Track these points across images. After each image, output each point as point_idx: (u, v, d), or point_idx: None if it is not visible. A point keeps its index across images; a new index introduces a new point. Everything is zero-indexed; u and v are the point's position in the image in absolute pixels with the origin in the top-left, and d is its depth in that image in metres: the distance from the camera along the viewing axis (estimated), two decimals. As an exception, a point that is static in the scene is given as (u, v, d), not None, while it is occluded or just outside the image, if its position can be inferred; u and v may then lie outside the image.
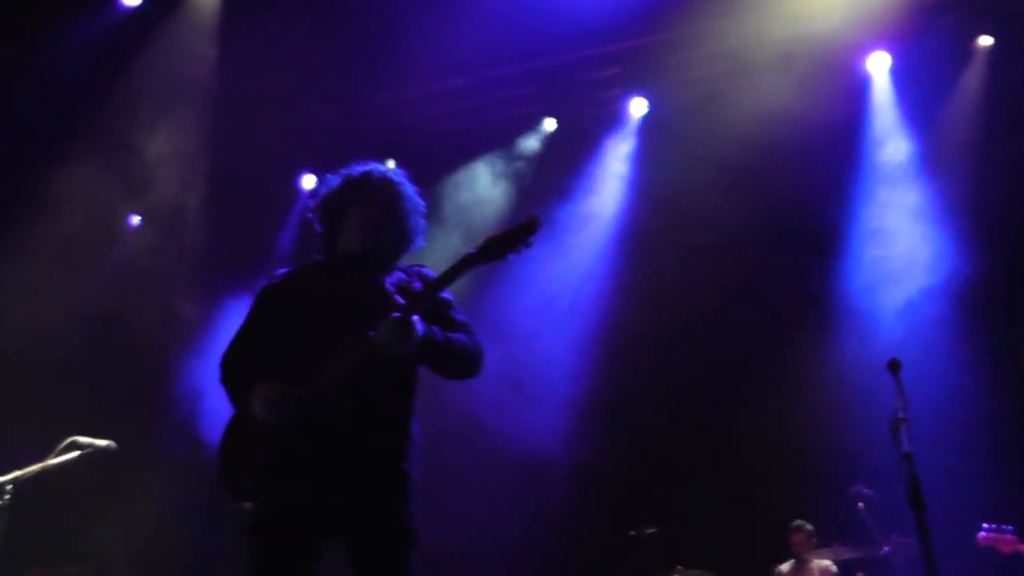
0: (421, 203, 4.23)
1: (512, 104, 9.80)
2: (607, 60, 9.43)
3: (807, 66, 8.60)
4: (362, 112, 9.88)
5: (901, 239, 8.64)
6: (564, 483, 8.92)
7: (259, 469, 3.70)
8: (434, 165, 9.10)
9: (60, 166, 8.95)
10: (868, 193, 8.89)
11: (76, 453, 5.90)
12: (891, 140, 8.91)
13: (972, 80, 8.70)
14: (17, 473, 5.76)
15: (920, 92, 8.78)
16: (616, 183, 9.65)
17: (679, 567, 7.59)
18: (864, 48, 8.87)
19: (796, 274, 8.90)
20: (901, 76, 8.92)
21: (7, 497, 5.72)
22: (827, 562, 7.92)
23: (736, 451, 8.44)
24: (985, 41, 8.66)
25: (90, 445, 5.91)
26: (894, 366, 4.77)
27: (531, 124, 9.86)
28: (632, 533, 7.82)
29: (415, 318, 3.66)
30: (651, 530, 7.79)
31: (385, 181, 4.17)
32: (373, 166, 4.23)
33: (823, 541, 7.94)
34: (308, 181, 10.18)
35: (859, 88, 9.06)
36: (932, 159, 8.75)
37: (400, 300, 3.76)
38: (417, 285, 4.01)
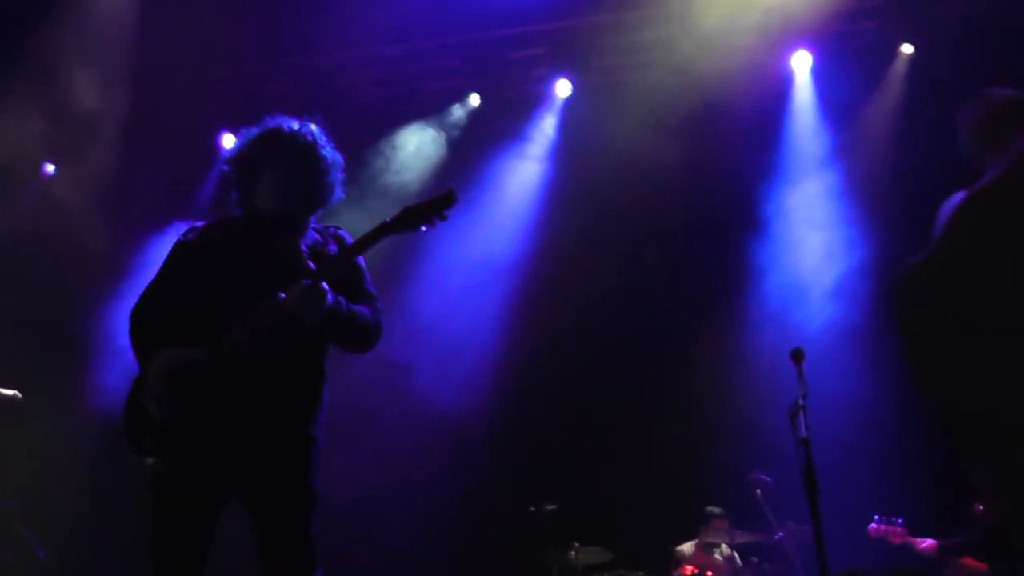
0: (338, 159, 4.15)
1: (438, 76, 9.76)
2: (533, 39, 9.39)
3: (733, 58, 8.70)
4: (284, 72, 9.72)
5: (818, 228, 8.80)
6: (469, 456, 8.94)
7: (161, 429, 3.68)
8: (357, 131, 9.03)
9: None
10: (789, 182, 9.03)
11: (-20, 403, 5.82)
12: (812, 134, 9.06)
13: (892, 84, 8.89)
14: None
15: (840, 92, 8.92)
16: (536, 164, 9.67)
17: (576, 544, 7.64)
18: (789, 46, 8.99)
19: (715, 258, 9.02)
20: (822, 75, 9.07)
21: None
22: (727, 548, 8.06)
23: (642, 431, 8.56)
24: (907, 49, 8.86)
25: (-5, 394, 5.83)
26: (797, 355, 4.90)
27: (456, 97, 9.81)
28: (532, 509, 7.87)
29: (325, 286, 3.66)
30: (551, 506, 7.84)
31: (297, 136, 4.07)
32: (285, 121, 4.13)
33: (702, 522, 8.06)
34: (227, 140, 10.04)
35: (783, 83, 9.21)
36: (850, 152, 8.91)
37: (312, 265, 3.74)
38: (332, 247, 4.00)
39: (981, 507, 7.00)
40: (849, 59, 9.02)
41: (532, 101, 9.72)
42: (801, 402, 4.73)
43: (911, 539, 7.05)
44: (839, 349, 8.14)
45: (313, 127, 4.14)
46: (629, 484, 8.40)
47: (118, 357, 8.19)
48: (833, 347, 8.07)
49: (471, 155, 9.62)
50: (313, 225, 4.11)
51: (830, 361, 7.72)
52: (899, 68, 8.92)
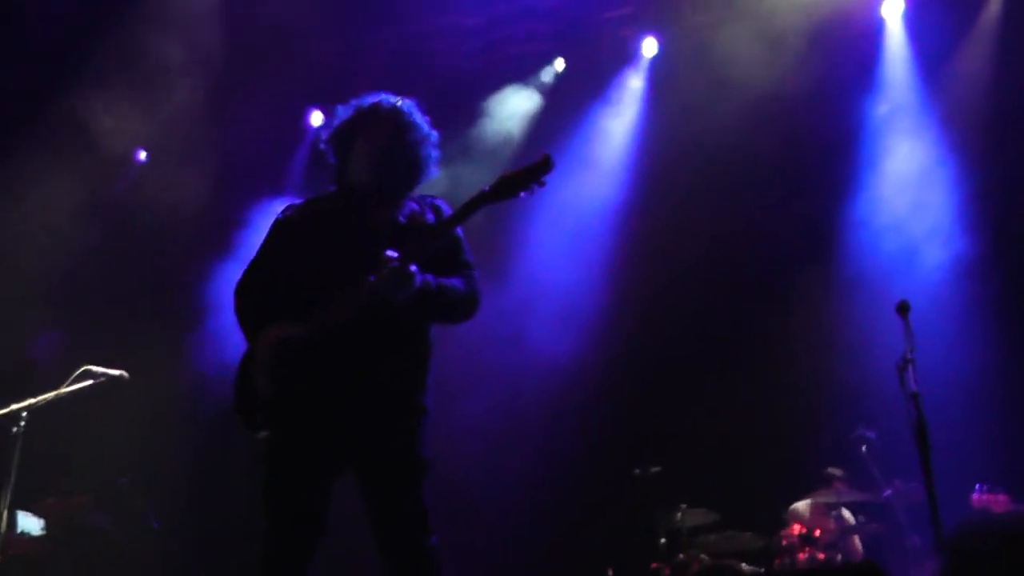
0: (433, 134, 4.21)
1: (524, 41, 9.72)
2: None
3: (823, 8, 8.54)
4: (369, 47, 9.76)
5: (916, 177, 8.61)
6: (568, 419, 8.97)
7: (272, 404, 3.77)
8: (446, 101, 9.07)
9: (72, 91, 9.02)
10: (885, 132, 8.84)
11: (89, 382, 5.99)
12: (905, 82, 8.85)
13: (986, 27, 8.66)
14: (31, 400, 5.86)
15: (933, 38, 8.72)
16: (626, 123, 9.60)
17: (683, 506, 7.62)
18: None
19: (812, 211, 8.89)
20: (914, 21, 8.86)
21: (22, 424, 5.82)
22: (846, 510, 7.90)
23: (743, 390, 8.44)
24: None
25: (103, 374, 6.01)
26: (903, 308, 4.83)
27: (543, 62, 9.80)
28: (636, 472, 7.85)
29: (413, 268, 3.68)
30: (655, 469, 7.80)
31: (393, 111, 4.15)
32: (383, 97, 4.22)
33: (824, 484, 7.96)
34: (316, 118, 10.16)
35: (873, 34, 9.00)
36: (945, 98, 8.70)
37: (393, 253, 3.71)
38: (430, 217, 4.04)
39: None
40: (941, 2, 8.79)
41: (619, 61, 9.64)
42: (909, 356, 4.67)
43: (1016, 507, 6.88)
44: (938, 307, 7.97)
45: (408, 102, 4.20)
46: (734, 443, 8.29)
47: (222, 335, 8.37)
48: (932, 304, 7.89)
49: (563, 116, 9.59)
50: (410, 195, 4.15)
51: (938, 315, 7.59)
52: (992, 10, 8.66)
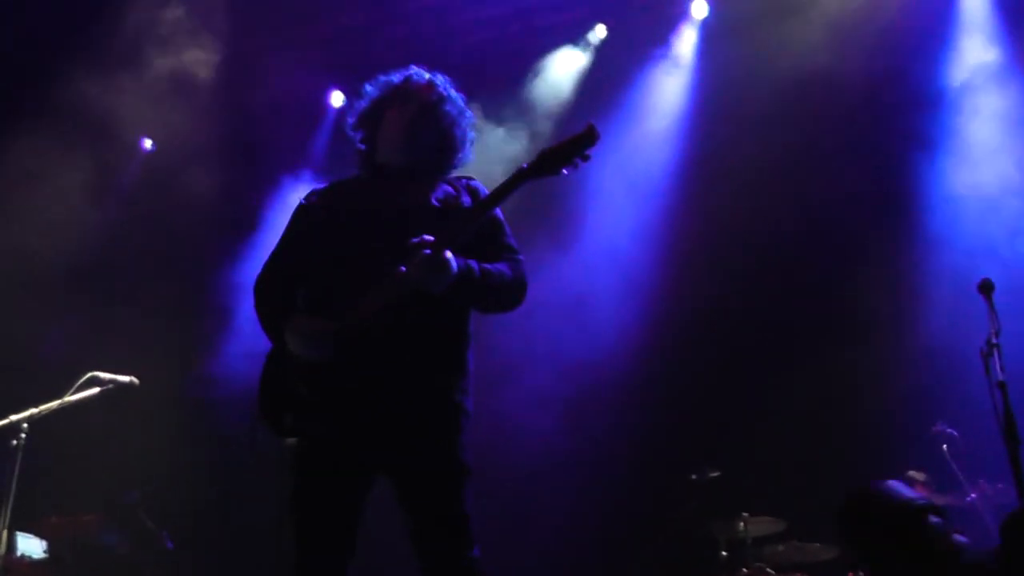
0: (469, 113, 4.24)
1: (559, 6, 9.76)
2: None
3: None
4: (390, 20, 9.84)
5: (994, 158, 8.49)
6: (621, 419, 8.93)
7: (301, 405, 3.77)
8: (475, 75, 9.11)
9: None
10: (963, 94, 8.72)
11: (96, 389, 6.04)
12: (983, 42, 8.73)
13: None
14: (33, 410, 5.89)
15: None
16: (679, 90, 9.62)
17: (745, 514, 7.60)
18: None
19: (881, 190, 8.80)
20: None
21: (23, 436, 5.85)
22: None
23: (809, 385, 8.38)
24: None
25: (111, 381, 6.04)
26: (986, 288, 4.78)
27: (582, 29, 9.85)
28: (693, 477, 7.84)
29: (448, 255, 3.65)
30: (714, 474, 7.80)
31: (426, 85, 4.19)
32: (414, 70, 4.25)
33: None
34: (336, 98, 10.23)
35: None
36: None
37: (428, 238, 3.66)
38: (465, 200, 4.04)
39: None
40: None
41: (665, 25, 9.67)
42: (994, 340, 4.63)
43: None
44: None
45: (442, 77, 4.23)
46: (800, 444, 8.21)
47: (242, 334, 8.43)
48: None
49: (606, 83, 9.62)
50: (444, 177, 4.16)
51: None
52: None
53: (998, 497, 7.08)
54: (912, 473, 7.71)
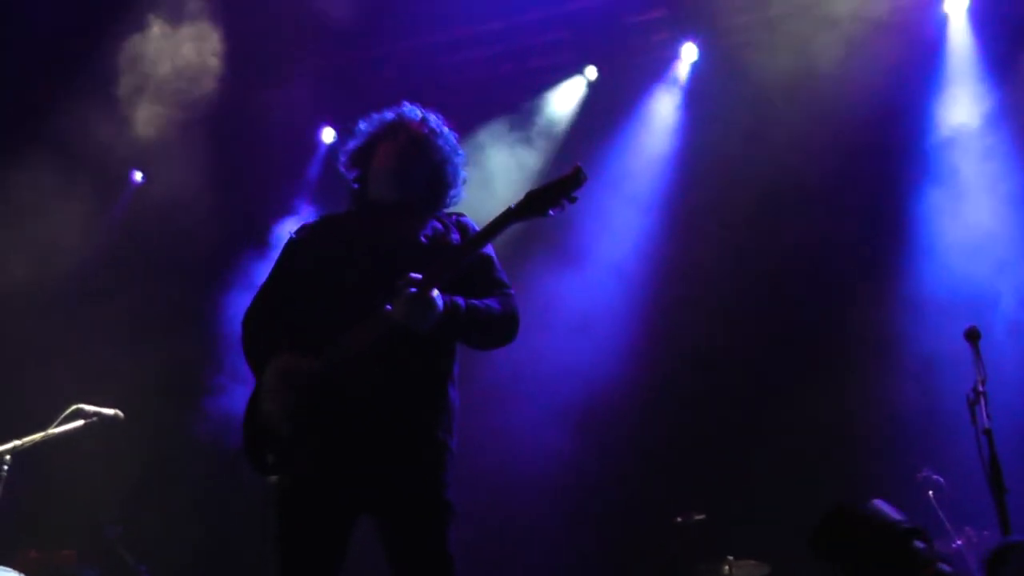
0: (459, 152, 4.28)
1: (546, 51, 9.86)
2: (651, 1, 9.44)
3: (880, 4, 8.59)
4: (381, 61, 9.94)
5: (980, 215, 8.50)
6: (605, 462, 8.92)
7: (284, 443, 3.76)
8: (462, 116, 9.16)
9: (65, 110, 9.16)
10: (952, 134, 8.75)
11: (80, 422, 6.00)
12: (972, 84, 8.76)
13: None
14: (16, 443, 5.86)
15: (1002, 37, 8.68)
16: (663, 137, 9.63)
17: (730, 558, 7.59)
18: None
19: (859, 243, 8.81)
20: (980, 18, 8.80)
21: (5, 468, 5.82)
22: None
23: (795, 428, 8.38)
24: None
25: (96, 414, 6.01)
26: (972, 335, 4.80)
27: (569, 72, 9.90)
28: (678, 519, 7.83)
29: (434, 293, 3.65)
30: (699, 516, 7.79)
31: (418, 121, 4.23)
32: (406, 107, 4.30)
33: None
34: (327, 135, 10.29)
35: (935, 29, 8.95)
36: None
37: (417, 274, 3.66)
38: (455, 236, 4.06)
39: None
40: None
41: (653, 70, 9.73)
42: (980, 388, 4.65)
43: None
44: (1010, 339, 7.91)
45: (434, 115, 4.28)
46: (785, 487, 8.21)
47: (229, 374, 8.42)
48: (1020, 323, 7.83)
49: (589, 134, 9.66)
50: (435, 214, 4.17)
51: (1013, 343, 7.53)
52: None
53: (985, 544, 7.07)
54: None
